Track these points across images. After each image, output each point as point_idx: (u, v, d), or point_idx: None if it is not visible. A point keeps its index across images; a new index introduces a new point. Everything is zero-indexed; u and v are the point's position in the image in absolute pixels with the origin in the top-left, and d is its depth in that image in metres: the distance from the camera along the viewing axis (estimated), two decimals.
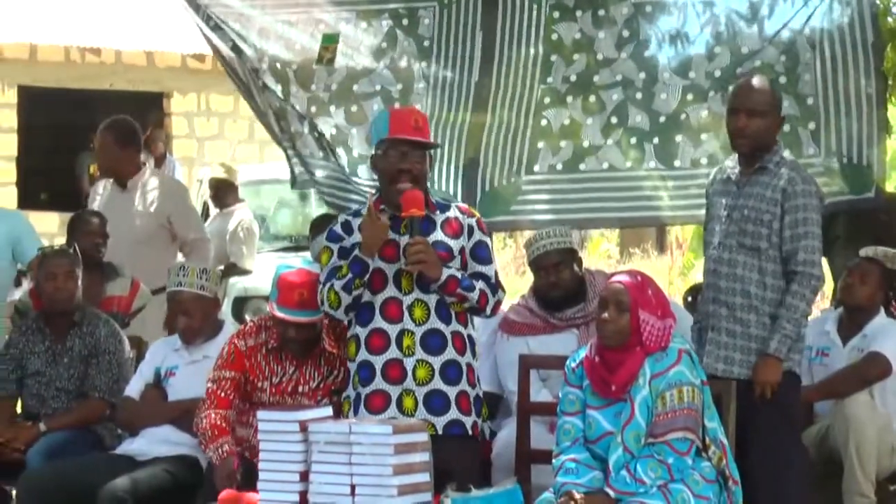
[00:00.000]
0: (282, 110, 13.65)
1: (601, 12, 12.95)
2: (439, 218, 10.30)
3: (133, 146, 14.09)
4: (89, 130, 14.16)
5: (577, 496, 9.41)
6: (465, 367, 10.37)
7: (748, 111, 10.60)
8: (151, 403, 11.32)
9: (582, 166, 13.10)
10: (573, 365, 9.96)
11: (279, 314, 10.60)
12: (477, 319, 10.68)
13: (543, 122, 13.09)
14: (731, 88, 11.85)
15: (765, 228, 10.41)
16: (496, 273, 10.59)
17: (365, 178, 12.94)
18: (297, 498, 9.54)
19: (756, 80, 11.16)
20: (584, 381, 9.83)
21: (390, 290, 10.23)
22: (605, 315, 9.70)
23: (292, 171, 14.15)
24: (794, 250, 10.35)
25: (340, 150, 13.50)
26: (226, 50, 13.72)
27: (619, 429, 9.57)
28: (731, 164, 11.04)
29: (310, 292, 10.52)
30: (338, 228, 10.56)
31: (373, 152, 10.60)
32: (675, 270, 28.31)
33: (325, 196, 14.04)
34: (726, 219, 10.79)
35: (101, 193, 13.95)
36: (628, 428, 9.55)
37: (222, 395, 10.72)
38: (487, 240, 10.66)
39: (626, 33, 12.92)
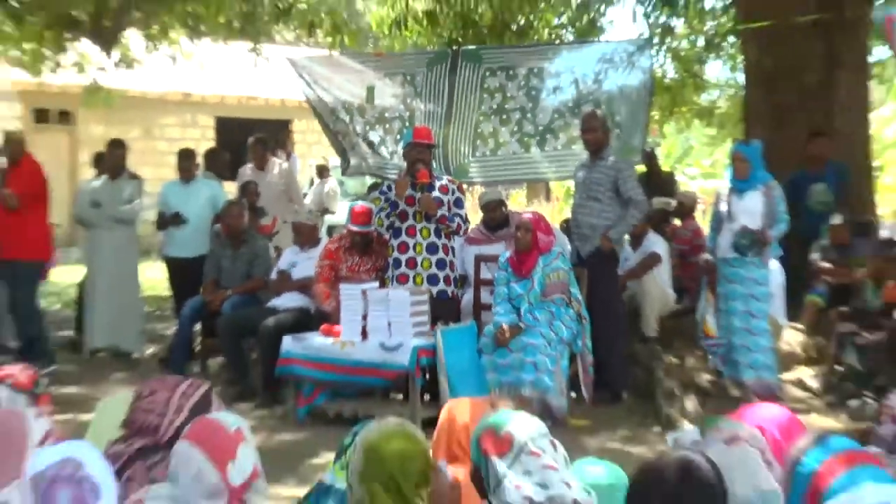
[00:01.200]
0: (345, 130, 13.83)
1: (511, 72, 13.27)
2: (437, 183, 10.78)
3: (268, 150, 14.05)
4: (256, 142, 14.12)
5: (505, 326, 9.57)
6: (448, 262, 10.75)
7: (590, 129, 10.81)
8: (285, 280, 11.34)
9: (500, 152, 13.43)
10: (502, 260, 10.21)
11: (351, 228, 10.95)
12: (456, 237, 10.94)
13: (479, 130, 13.41)
14: (577, 112, 12.49)
15: (602, 187, 10.57)
16: (465, 213, 11.05)
17: (395, 161, 13.30)
18: (360, 328, 9.74)
19: (592, 111, 11.42)
20: (508, 269, 10.07)
21: (410, 221, 10.67)
22: (519, 234, 10.05)
23: (345, 164, 14.26)
24: (630, 196, 10.49)
25: (382, 149, 13.77)
26: (314, 97, 13.89)
27: (527, 292, 9.85)
28: (585, 157, 11.20)
29: (366, 216, 10.96)
30: (384, 188, 11.21)
31: (402, 148, 11.49)
32: (556, 211, 28.10)
33: (371, 173, 14.59)
34: (582, 185, 10.96)
35: (248, 174, 13.82)
36: (531, 293, 9.86)
37: (322, 275, 10.96)
38: (462, 196, 11.23)
39: (522, 83, 13.25)
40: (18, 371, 4.92)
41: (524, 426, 3.92)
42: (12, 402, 4.59)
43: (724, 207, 10.40)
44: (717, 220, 10.54)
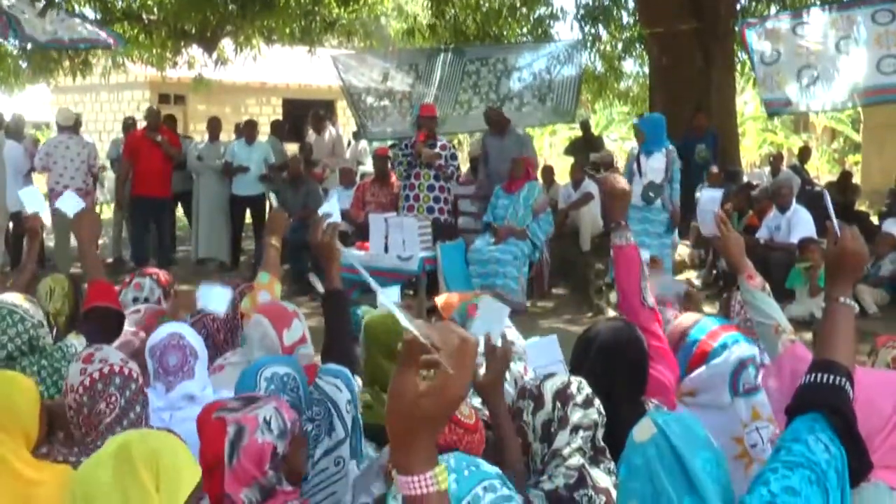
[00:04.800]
0: (362, 107, 14.04)
1: (484, 61, 13.54)
2: (438, 143, 10.28)
3: (323, 120, 13.93)
4: (308, 115, 14.09)
5: (496, 226, 9.72)
6: (442, 198, 10.32)
7: (496, 119, 11.02)
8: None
9: (471, 113, 13.44)
10: (498, 188, 10.17)
11: (377, 155, 11.44)
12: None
13: (458, 99, 13.54)
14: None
15: (509, 155, 10.55)
16: (458, 164, 10.60)
17: (395, 129, 13.92)
18: (383, 244, 9.55)
19: (498, 110, 11.52)
20: (499, 191, 10.11)
21: (417, 168, 10.25)
22: (514, 166, 10.08)
23: (360, 130, 14.48)
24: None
25: (388, 119, 14.04)
26: (345, 83, 14.09)
27: (511, 203, 9.94)
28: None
29: (384, 151, 11.55)
30: (402, 146, 10.67)
31: (414, 118, 11.26)
32: None
33: (372, 137, 14.80)
34: (492, 154, 10.89)
35: (311, 138, 13.77)
36: (516, 206, 9.84)
37: (356, 206, 10.78)
38: (456, 152, 10.72)
39: (492, 67, 13.49)
40: (162, 273, 4.99)
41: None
42: (152, 291, 4.65)
43: (634, 166, 9.92)
44: (630, 175, 9.90)
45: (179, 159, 12.49)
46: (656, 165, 9.76)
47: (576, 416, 2.84)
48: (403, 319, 1.48)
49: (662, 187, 9.75)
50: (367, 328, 3.91)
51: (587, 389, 2.92)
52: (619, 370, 3.29)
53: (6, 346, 3.58)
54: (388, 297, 1.59)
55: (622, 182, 3.92)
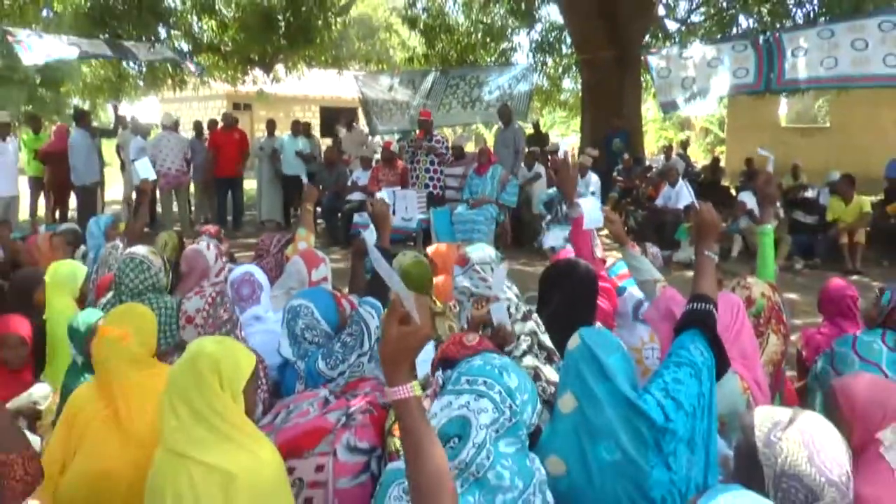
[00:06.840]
0: (372, 111, 13.80)
1: (462, 77, 13.35)
2: (435, 137, 10.18)
3: (355, 122, 13.74)
4: (339, 119, 13.95)
5: (472, 199, 9.49)
6: (435, 177, 10.15)
7: (503, 116, 10.71)
8: (354, 186, 11.03)
9: (451, 112, 13.27)
10: (471, 171, 9.87)
11: (384, 146, 10.85)
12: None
13: (442, 102, 13.22)
14: (498, 101, 12.61)
15: (508, 141, 10.49)
16: (449, 153, 10.34)
17: (398, 127, 13.73)
18: (392, 208, 9.31)
19: (505, 105, 11.20)
20: (473, 173, 9.79)
21: (418, 156, 10.15)
22: (482, 155, 9.88)
23: (370, 127, 13.95)
24: (518, 147, 10.49)
25: (392, 118, 13.73)
26: (360, 96, 13.95)
27: (482, 183, 9.63)
28: (500, 125, 10.95)
29: (388, 144, 11.00)
30: (406, 141, 10.77)
31: (412, 118, 11.38)
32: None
33: (379, 133, 14.00)
34: (499, 140, 10.70)
35: (343, 132, 13.58)
36: (486, 184, 9.59)
37: (372, 183, 10.36)
38: (448, 145, 10.45)
39: (468, 82, 13.27)
40: (213, 227, 5.13)
41: (479, 255, 3.87)
42: (207, 242, 4.63)
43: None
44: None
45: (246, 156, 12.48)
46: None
47: (517, 327, 2.91)
48: (396, 286, 1.64)
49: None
50: (404, 271, 3.73)
51: (524, 307, 2.99)
52: (575, 292, 3.21)
53: (138, 286, 3.49)
54: (393, 277, 1.70)
55: (571, 169, 3.97)
